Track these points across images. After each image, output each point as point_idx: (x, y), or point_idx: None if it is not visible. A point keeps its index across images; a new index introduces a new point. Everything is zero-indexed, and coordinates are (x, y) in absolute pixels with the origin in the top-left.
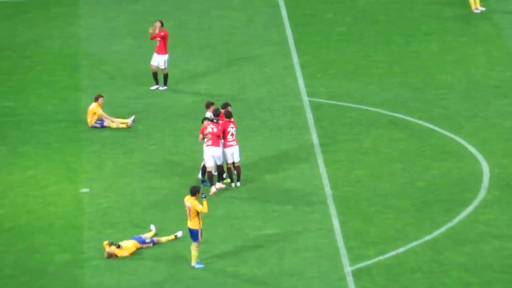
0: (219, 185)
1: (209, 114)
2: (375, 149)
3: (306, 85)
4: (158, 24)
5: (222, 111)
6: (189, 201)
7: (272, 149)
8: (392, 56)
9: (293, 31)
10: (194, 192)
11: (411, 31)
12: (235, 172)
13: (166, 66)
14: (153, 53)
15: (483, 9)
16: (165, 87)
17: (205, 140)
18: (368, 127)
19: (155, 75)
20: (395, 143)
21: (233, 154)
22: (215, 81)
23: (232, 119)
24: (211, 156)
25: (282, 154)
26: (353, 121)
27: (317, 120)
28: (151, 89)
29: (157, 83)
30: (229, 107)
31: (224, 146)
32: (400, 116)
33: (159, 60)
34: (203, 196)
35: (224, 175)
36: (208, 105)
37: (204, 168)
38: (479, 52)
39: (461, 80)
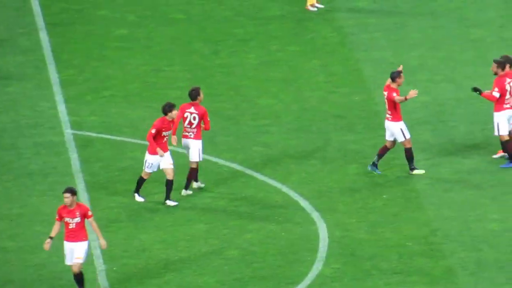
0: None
1: None
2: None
3: (70, 113)
4: None
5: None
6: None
7: (19, 203)
8: (193, 72)
9: (50, 33)
10: None
11: (221, 36)
12: None
13: None
14: None
15: (322, 6)
16: None
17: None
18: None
19: None
20: (194, 195)
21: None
22: None
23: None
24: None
25: (35, 212)
26: (137, 163)
27: (85, 161)
28: None
29: None
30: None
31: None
32: (206, 157)
33: None
34: None
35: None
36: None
37: None
38: (315, 66)
39: (289, 106)
